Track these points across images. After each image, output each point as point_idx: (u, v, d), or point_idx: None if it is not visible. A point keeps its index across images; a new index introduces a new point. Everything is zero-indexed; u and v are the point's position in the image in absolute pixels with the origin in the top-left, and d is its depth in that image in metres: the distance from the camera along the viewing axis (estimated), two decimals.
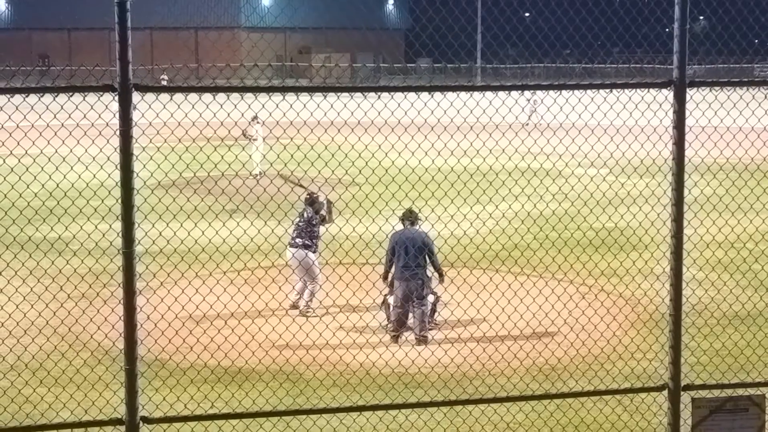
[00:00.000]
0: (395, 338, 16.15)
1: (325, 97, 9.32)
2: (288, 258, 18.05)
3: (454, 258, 17.95)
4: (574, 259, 16.00)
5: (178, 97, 8.62)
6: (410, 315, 16.40)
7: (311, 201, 18.16)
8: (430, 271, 17.30)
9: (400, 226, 16.68)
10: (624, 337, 14.80)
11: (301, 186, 18.03)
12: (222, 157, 11.97)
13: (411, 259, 16.19)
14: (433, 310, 17.04)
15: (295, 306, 17.91)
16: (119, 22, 7.66)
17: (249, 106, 9.56)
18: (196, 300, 12.44)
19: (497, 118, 11.23)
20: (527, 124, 27.23)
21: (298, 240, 17.94)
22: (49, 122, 9.54)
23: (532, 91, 40.89)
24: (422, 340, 16.03)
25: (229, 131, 12.84)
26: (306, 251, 17.93)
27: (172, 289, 12.91)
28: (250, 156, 33.91)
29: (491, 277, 15.85)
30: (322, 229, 18.20)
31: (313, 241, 18.05)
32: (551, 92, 9.52)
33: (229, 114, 9.50)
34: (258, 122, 32.71)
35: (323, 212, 18.15)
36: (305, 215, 18.09)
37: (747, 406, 9.16)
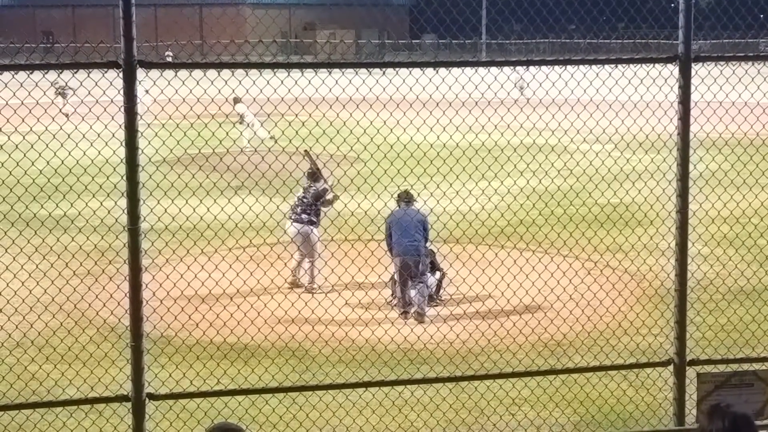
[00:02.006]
0: (404, 314, 16.20)
1: (330, 73, 9.30)
2: (293, 234, 18.03)
3: (459, 234, 17.96)
4: (579, 234, 15.98)
5: (183, 73, 8.61)
6: (412, 291, 16.44)
7: (315, 177, 18.08)
8: (435, 247, 17.31)
9: (394, 206, 16.80)
10: (629, 312, 14.81)
11: (316, 167, 17.95)
12: (227, 133, 11.98)
13: (409, 236, 16.25)
14: (439, 287, 17.05)
15: (295, 284, 17.93)
16: None
17: (254, 82, 9.55)
18: (201, 277, 12.46)
19: (502, 94, 11.21)
20: (518, 100, 26.87)
21: (303, 216, 17.91)
22: (54, 99, 9.53)
23: (524, 68, 40.63)
24: (420, 318, 16.05)
25: (233, 107, 12.83)
26: (311, 227, 17.91)
27: (178, 266, 12.92)
28: (241, 133, 34.02)
29: (496, 253, 15.84)
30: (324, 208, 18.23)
31: (318, 217, 18.04)
32: (556, 67, 9.50)
33: (233, 90, 9.51)
34: (240, 103, 32.78)
35: (329, 197, 18.11)
36: (311, 191, 18.04)
37: (752, 380, 9.17)
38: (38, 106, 10.15)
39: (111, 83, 8.87)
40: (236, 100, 32.81)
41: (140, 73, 7.81)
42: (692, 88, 8.85)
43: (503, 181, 16.38)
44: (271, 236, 17.53)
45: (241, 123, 34.40)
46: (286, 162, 11.77)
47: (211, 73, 8.84)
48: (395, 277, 16.59)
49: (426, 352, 13.80)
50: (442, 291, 17.05)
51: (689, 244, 9.02)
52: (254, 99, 10.18)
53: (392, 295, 16.87)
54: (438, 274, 17.00)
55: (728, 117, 11.86)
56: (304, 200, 18.00)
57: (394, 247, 16.34)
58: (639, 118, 11.47)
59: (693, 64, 8.79)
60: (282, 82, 9.30)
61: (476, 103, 11.03)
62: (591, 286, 13.55)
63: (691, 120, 8.88)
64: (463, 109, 11.53)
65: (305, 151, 17.36)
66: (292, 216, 18.07)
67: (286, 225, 18.04)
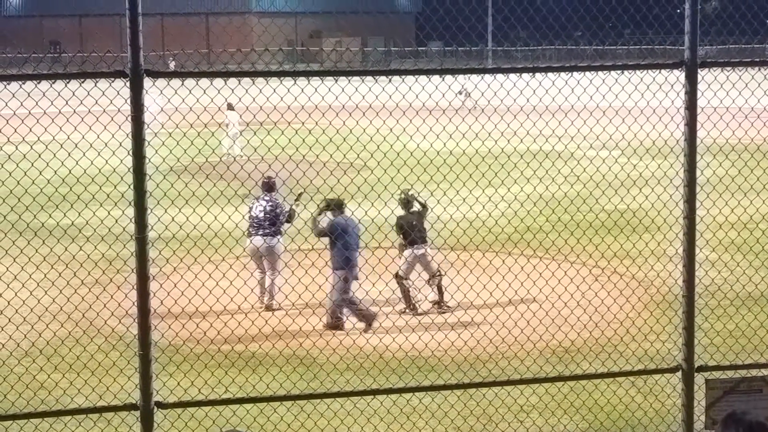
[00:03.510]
0: (337, 327, 15.74)
1: (336, 81, 9.32)
2: (259, 245, 17.27)
3: (466, 241, 17.95)
4: (586, 241, 15.97)
5: (190, 82, 8.63)
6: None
7: (270, 186, 17.38)
8: (435, 247, 17.17)
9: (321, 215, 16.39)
10: (637, 318, 14.79)
11: (298, 200, 17.09)
12: (234, 142, 11.99)
13: (355, 247, 15.97)
14: (441, 290, 16.93)
15: (270, 307, 17.00)
16: (130, 8, 7.66)
17: (260, 91, 9.58)
18: (209, 285, 12.46)
19: (508, 101, 11.22)
20: (472, 108, 26.11)
21: (273, 228, 17.23)
22: (61, 109, 9.56)
23: (467, 77, 38.67)
24: (337, 326, 15.79)
25: (241, 116, 12.87)
26: (278, 239, 17.33)
27: (186, 275, 12.94)
28: (220, 141, 33.34)
29: (504, 260, 15.85)
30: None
31: (282, 228, 17.41)
32: (562, 74, 9.50)
33: (240, 99, 9.52)
34: (233, 111, 32.14)
35: (294, 209, 17.29)
36: (271, 202, 17.35)
37: (761, 386, 9.15)
38: (46, 115, 10.16)
39: (118, 92, 8.90)
40: (229, 107, 32.22)
41: (147, 82, 7.83)
42: (699, 93, 8.85)
43: (510, 188, 16.37)
44: (279, 244, 17.54)
45: (226, 127, 33.75)
46: (293, 170, 11.78)
47: (218, 81, 8.85)
48: (347, 289, 15.96)
49: (434, 360, 13.80)
50: (448, 297, 16.97)
51: (696, 250, 9.02)
52: (261, 107, 10.17)
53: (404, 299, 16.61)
54: (436, 278, 16.82)
55: (735, 122, 11.85)
56: (268, 212, 17.23)
57: (346, 258, 15.84)
58: (645, 124, 11.46)
59: (699, 70, 8.79)
60: (288, 90, 9.31)
61: (482, 110, 11.03)
62: (598, 293, 13.53)
63: (698, 126, 8.87)
64: (469, 116, 11.55)
65: (299, 194, 16.81)
66: (258, 231, 17.24)
67: (250, 240, 17.30)
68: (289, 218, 17.27)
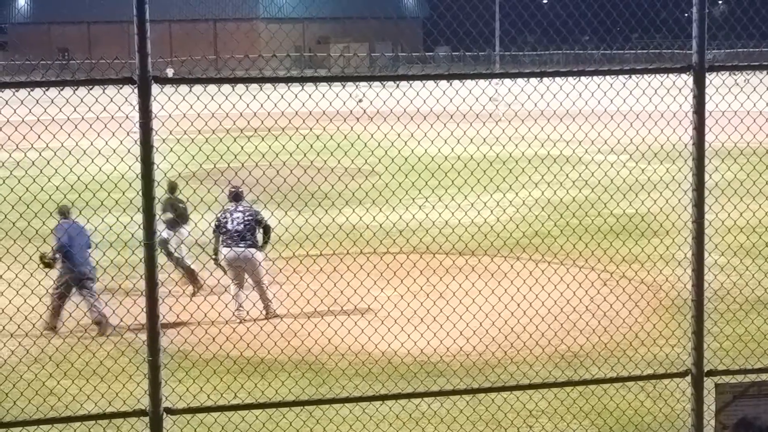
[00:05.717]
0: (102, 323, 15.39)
1: (344, 86, 9.32)
2: (242, 257, 16.61)
3: (474, 246, 17.94)
4: (595, 245, 15.94)
5: (198, 88, 8.64)
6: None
7: (238, 196, 16.78)
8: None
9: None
10: (646, 323, 14.76)
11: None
12: (242, 147, 12.01)
13: (78, 249, 15.66)
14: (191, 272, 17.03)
15: (275, 314, 16.49)
16: (138, 14, 7.68)
17: (268, 96, 9.58)
18: (217, 290, 12.48)
19: (516, 105, 11.22)
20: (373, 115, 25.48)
21: (254, 239, 16.70)
22: (70, 115, 9.57)
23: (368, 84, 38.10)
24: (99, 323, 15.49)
25: (249, 122, 12.81)
26: (262, 250, 16.92)
27: None
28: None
29: (512, 265, 15.82)
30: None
31: (259, 239, 16.92)
32: (570, 78, 9.50)
33: (248, 105, 9.53)
34: None
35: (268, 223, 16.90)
36: (248, 211, 16.80)
37: None
38: (54, 122, 10.18)
39: (126, 99, 8.91)
40: None
41: (155, 88, 7.84)
42: (706, 97, 8.84)
43: (518, 193, 16.38)
44: (287, 250, 17.53)
45: None
46: (301, 175, 11.79)
47: (226, 87, 8.87)
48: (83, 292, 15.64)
49: (442, 365, 13.79)
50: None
51: (705, 254, 9.00)
52: (269, 113, 10.18)
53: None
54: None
55: (743, 126, 11.83)
56: (248, 222, 16.67)
57: (71, 262, 15.40)
58: (653, 129, 11.46)
59: (707, 74, 8.79)
60: (296, 96, 9.31)
61: (490, 115, 11.04)
62: (607, 298, 13.51)
63: (706, 130, 8.87)
64: (477, 121, 11.55)
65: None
66: (240, 243, 16.59)
67: (232, 251, 16.62)
68: (266, 232, 16.98)
